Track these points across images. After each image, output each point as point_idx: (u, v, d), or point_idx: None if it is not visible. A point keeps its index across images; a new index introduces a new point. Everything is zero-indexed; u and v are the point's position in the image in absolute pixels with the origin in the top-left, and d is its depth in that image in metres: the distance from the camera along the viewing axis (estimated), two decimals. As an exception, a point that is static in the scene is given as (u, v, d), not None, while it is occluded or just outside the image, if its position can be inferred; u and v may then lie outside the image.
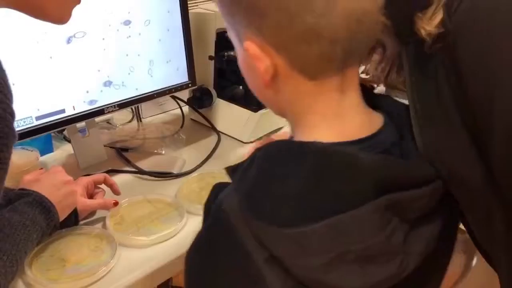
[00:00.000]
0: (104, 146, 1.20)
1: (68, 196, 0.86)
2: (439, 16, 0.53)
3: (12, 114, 0.50)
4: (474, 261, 1.36)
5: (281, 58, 0.52)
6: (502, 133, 0.50)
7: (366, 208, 0.49)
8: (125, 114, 1.40)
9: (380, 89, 1.43)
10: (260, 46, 0.52)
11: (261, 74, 0.53)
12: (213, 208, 0.55)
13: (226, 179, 0.62)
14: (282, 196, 0.50)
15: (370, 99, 0.60)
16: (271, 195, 0.50)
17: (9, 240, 0.71)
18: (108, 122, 1.34)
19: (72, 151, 1.18)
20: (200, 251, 0.57)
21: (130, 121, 1.39)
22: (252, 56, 0.52)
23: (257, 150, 0.55)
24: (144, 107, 1.36)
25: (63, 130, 1.16)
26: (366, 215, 0.49)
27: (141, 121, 1.34)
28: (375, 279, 0.51)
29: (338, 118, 0.55)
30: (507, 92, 0.48)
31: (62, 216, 0.85)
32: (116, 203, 0.93)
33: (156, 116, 1.43)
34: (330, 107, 0.54)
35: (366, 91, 0.60)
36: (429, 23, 0.54)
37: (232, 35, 0.57)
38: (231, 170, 0.59)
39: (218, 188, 0.65)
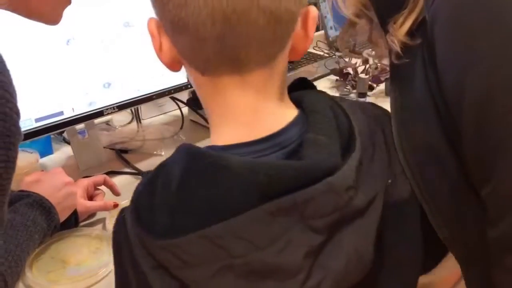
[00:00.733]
0: (104, 147, 1.20)
1: (68, 197, 0.86)
2: (408, 23, 0.56)
3: (18, 113, 0.51)
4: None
5: (171, 43, 0.49)
6: (472, 118, 0.50)
7: (243, 217, 0.44)
8: (125, 116, 1.40)
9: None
10: (158, 25, 0.49)
11: (156, 51, 0.50)
12: (116, 218, 0.53)
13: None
14: (160, 204, 0.47)
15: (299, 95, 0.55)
16: (151, 204, 0.47)
17: (13, 241, 0.71)
18: (107, 124, 1.34)
19: (71, 153, 1.18)
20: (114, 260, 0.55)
21: (129, 123, 1.38)
22: (150, 33, 0.50)
23: None
24: (143, 108, 1.36)
25: (63, 132, 1.16)
26: (244, 226, 0.45)
27: (140, 122, 1.33)
28: None
29: (237, 118, 0.50)
30: (477, 78, 0.49)
31: (62, 217, 0.85)
32: (116, 205, 0.93)
33: (155, 118, 1.43)
34: (229, 107, 0.50)
35: (299, 86, 0.57)
36: (399, 30, 0.56)
37: None
38: (145, 174, 0.55)
39: None
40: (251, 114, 0.50)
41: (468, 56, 0.50)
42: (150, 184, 0.49)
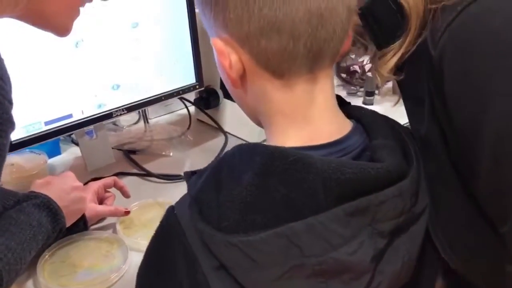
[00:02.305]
0: (112, 148, 1.19)
1: (77, 202, 0.85)
2: (394, 59, 0.58)
3: (10, 101, 0.50)
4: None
5: (246, 54, 0.50)
6: (490, 156, 0.51)
7: (323, 216, 0.45)
8: (131, 115, 1.39)
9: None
10: (226, 41, 0.50)
11: (226, 71, 0.51)
12: (164, 215, 0.53)
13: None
14: (229, 201, 0.47)
15: (341, 107, 0.58)
16: (218, 200, 0.47)
17: (15, 238, 0.71)
18: (114, 124, 1.34)
19: (79, 154, 1.18)
20: (149, 261, 0.55)
21: (136, 123, 1.38)
22: (218, 52, 0.51)
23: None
24: (150, 108, 1.35)
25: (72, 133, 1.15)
26: (323, 225, 0.45)
27: (148, 122, 1.33)
28: None
29: (306, 121, 0.52)
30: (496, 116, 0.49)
31: (70, 221, 0.84)
32: (127, 212, 0.93)
33: (162, 117, 1.43)
34: (298, 109, 0.52)
35: (339, 99, 0.58)
36: (384, 67, 0.58)
37: (208, 31, 0.55)
38: (188, 175, 0.56)
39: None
40: (319, 118, 0.52)
41: (483, 97, 0.50)
42: (213, 181, 0.49)
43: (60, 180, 0.87)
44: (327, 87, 0.53)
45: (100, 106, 1.03)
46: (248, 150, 0.49)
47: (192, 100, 1.36)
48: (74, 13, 0.65)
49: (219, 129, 1.33)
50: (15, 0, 0.55)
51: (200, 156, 1.21)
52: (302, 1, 0.46)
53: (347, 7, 0.49)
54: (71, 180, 0.88)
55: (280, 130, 0.53)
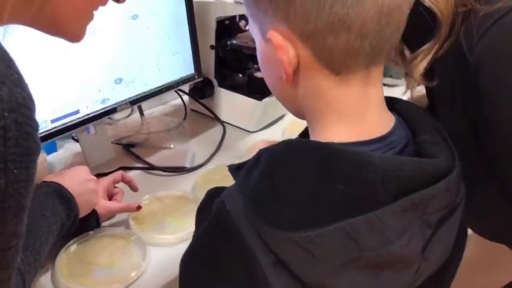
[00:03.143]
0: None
1: (89, 192, 0.84)
2: (424, 63, 0.59)
3: (37, 128, 0.49)
4: (470, 231, 1.41)
5: (307, 49, 0.49)
6: None
7: (381, 212, 0.46)
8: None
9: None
10: (285, 35, 0.49)
11: (284, 66, 0.50)
12: (215, 209, 0.53)
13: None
14: (286, 199, 0.47)
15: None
16: (276, 197, 0.48)
17: (31, 233, 0.69)
18: (108, 117, 1.31)
19: (77, 150, 1.15)
20: (199, 256, 0.55)
21: (129, 115, 1.36)
22: (277, 46, 0.50)
23: (262, 150, 0.53)
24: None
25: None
26: (381, 220, 0.46)
27: (143, 115, 1.31)
28: (387, 287, 0.50)
29: (358, 116, 0.52)
30: None
31: (82, 212, 0.83)
32: (139, 207, 0.91)
33: (155, 109, 1.41)
34: (352, 104, 0.52)
35: None
36: (415, 70, 0.59)
37: (253, 27, 0.55)
38: (235, 169, 0.56)
39: (213, 193, 0.62)
40: (370, 113, 0.53)
41: None
42: (268, 180, 0.49)
43: (73, 171, 0.86)
44: (378, 84, 0.53)
45: (104, 101, 1.00)
46: (302, 148, 0.50)
47: (186, 89, 1.34)
48: (88, 17, 0.62)
49: (216, 118, 1.33)
50: (28, 3, 0.53)
51: (201, 147, 1.20)
52: (375, 0, 0.46)
53: (408, 2, 0.50)
54: (85, 172, 0.86)
55: (330, 125, 0.53)
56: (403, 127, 0.56)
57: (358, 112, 0.52)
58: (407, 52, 0.65)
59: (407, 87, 0.64)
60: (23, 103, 0.44)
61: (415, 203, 0.48)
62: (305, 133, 0.64)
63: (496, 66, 0.54)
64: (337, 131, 0.52)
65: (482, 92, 0.56)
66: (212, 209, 0.61)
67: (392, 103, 0.58)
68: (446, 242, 0.54)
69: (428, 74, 0.61)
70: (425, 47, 0.60)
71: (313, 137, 0.55)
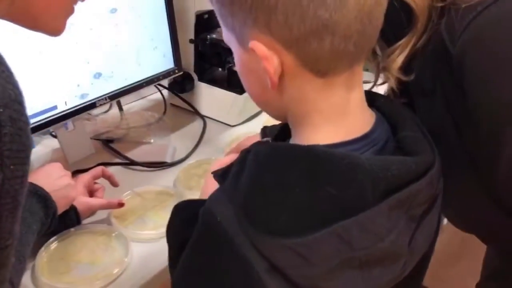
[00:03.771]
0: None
1: (65, 187, 0.83)
2: (402, 57, 0.60)
3: (29, 124, 0.48)
4: (445, 221, 1.44)
5: (291, 56, 0.49)
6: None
7: (371, 212, 0.47)
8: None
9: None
10: (268, 44, 0.48)
11: (270, 75, 0.50)
12: (203, 221, 0.52)
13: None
14: (278, 205, 0.47)
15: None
16: (267, 204, 0.48)
17: None
18: (87, 113, 1.29)
19: (55, 146, 1.14)
20: (192, 273, 0.54)
21: (107, 111, 1.34)
22: (261, 56, 0.49)
23: (245, 152, 0.52)
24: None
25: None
26: (371, 220, 0.47)
27: (122, 110, 1.29)
28: (378, 282, 0.51)
29: (342, 116, 0.52)
30: None
31: (60, 208, 0.81)
32: (121, 204, 0.90)
33: (134, 103, 1.39)
34: (336, 105, 0.52)
35: None
36: (392, 64, 0.60)
37: (229, 37, 0.54)
38: (220, 176, 0.55)
39: (180, 209, 0.63)
40: (353, 112, 0.53)
41: (506, 95, 0.54)
42: (256, 186, 0.49)
43: (46, 168, 0.85)
44: (360, 82, 0.54)
45: (83, 96, 0.99)
46: (290, 153, 0.49)
47: (165, 84, 1.33)
48: (66, 11, 0.60)
49: (196, 113, 1.32)
50: None
51: (181, 142, 1.20)
52: (356, 1, 0.46)
53: (386, 2, 0.50)
54: (58, 168, 0.85)
55: (315, 127, 0.53)
56: (383, 124, 0.56)
57: (342, 113, 0.52)
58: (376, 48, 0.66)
59: (387, 82, 0.65)
60: (15, 99, 0.44)
61: (401, 201, 0.49)
62: (281, 133, 0.64)
63: (480, 57, 0.54)
64: (322, 133, 0.52)
65: (465, 84, 0.56)
66: (180, 225, 0.61)
67: (371, 100, 0.58)
68: (427, 233, 0.55)
69: (406, 69, 0.62)
70: (402, 41, 0.60)
71: (297, 139, 0.55)
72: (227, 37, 0.55)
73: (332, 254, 0.47)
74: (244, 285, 0.49)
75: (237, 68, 0.57)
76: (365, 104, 0.55)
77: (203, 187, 0.70)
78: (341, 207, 0.47)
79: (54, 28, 0.61)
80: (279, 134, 0.66)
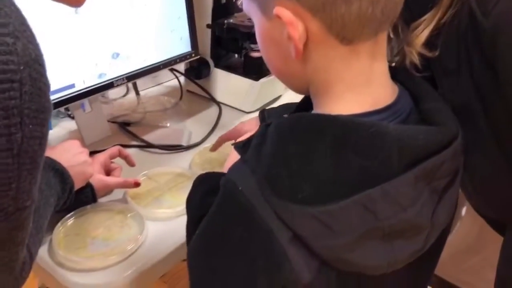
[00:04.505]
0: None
1: (82, 163, 0.84)
2: (426, 32, 0.58)
3: (49, 88, 0.49)
4: (463, 211, 1.42)
5: (316, 22, 0.48)
6: None
7: (397, 181, 0.47)
8: (120, 88, 1.36)
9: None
10: (293, 10, 0.48)
11: (295, 42, 0.49)
12: (224, 192, 0.52)
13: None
14: (303, 174, 0.47)
15: None
16: (291, 173, 0.48)
17: None
18: (104, 96, 1.30)
19: (72, 128, 1.15)
20: (211, 242, 0.54)
21: (125, 95, 1.35)
22: (287, 22, 0.48)
23: (265, 125, 0.52)
24: (138, 80, 1.32)
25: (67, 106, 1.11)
26: (397, 189, 0.47)
27: (139, 94, 1.30)
28: (401, 254, 0.50)
29: (366, 86, 0.52)
30: None
31: (77, 183, 0.82)
32: (137, 184, 0.90)
33: (151, 89, 1.40)
34: (360, 74, 0.51)
35: None
36: (416, 40, 0.58)
37: (250, 5, 0.54)
38: (241, 147, 0.55)
39: (201, 181, 0.63)
40: (377, 82, 0.52)
41: None
42: (281, 156, 0.49)
43: (64, 144, 0.86)
44: (383, 52, 0.53)
45: (101, 75, 1.00)
46: (313, 122, 0.49)
47: (181, 70, 1.34)
48: None
49: (211, 99, 1.32)
50: None
51: (196, 127, 1.20)
52: None
53: None
54: (76, 145, 0.86)
55: (339, 97, 0.52)
56: (406, 96, 0.56)
57: (366, 82, 0.52)
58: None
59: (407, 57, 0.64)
60: (36, 59, 0.45)
61: (427, 171, 0.49)
62: (300, 106, 0.64)
63: None
64: (346, 103, 0.52)
65: (499, 57, 0.54)
66: (201, 196, 0.61)
67: (393, 73, 0.57)
68: (448, 208, 0.55)
69: (430, 45, 0.60)
70: (427, 15, 0.59)
71: (319, 110, 0.54)
72: (248, 6, 0.54)
73: (356, 223, 0.47)
74: (265, 254, 0.48)
75: (257, 38, 0.56)
76: (389, 76, 0.55)
77: (227, 162, 0.70)
78: (367, 176, 0.47)
79: None
80: (295, 111, 0.65)
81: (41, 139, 0.48)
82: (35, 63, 0.45)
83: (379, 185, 0.46)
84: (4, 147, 0.43)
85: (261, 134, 0.52)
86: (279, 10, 0.48)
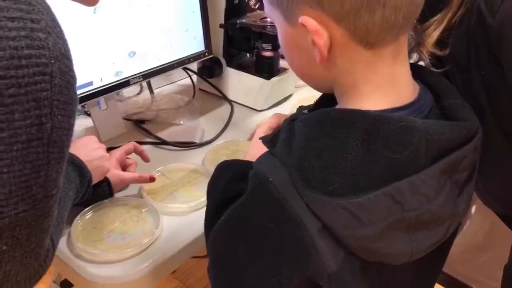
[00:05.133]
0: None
1: (100, 158, 0.86)
2: (437, 32, 0.60)
3: (76, 81, 0.51)
4: (473, 210, 1.43)
5: (341, 29, 0.50)
6: None
7: (423, 174, 0.49)
8: (133, 86, 1.38)
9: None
10: (318, 18, 0.49)
11: (320, 49, 0.51)
12: (254, 183, 0.53)
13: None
14: (334, 166, 0.49)
15: None
16: (322, 165, 0.49)
17: None
18: (119, 94, 1.32)
19: (88, 125, 1.17)
20: (238, 231, 0.56)
21: (138, 93, 1.37)
22: (312, 31, 0.50)
23: (290, 120, 0.54)
24: (152, 79, 1.35)
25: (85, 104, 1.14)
26: (423, 182, 0.49)
27: (153, 92, 1.32)
28: (423, 244, 0.52)
29: (390, 86, 0.53)
30: None
31: (95, 177, 0.85)
32: (152, 179, 0.92)
33: (164, 88, 1.43)
34: (384, 75, 0.53)
35: None
36: (428, 39, 0.60)
37: (274, 14, 0.55)
38: (269, 141, 0.57)
39: (224, 167, 0.65)
40: (400, 81, 0.54)
41: None
42: (312, 149, 0.50)
43: (82, 140, 0.89)
44: (405, 52, 0.55)
45: (117, 73, 1.02)
46: (344, 117, 0.51)
47: (194, 69, 1.36)
48: None
49: (224, 97, 1.34)
50: None
51: (209, 124, 1.22)
52: None
53: None
54: (94, 140, 0.89)
55: (363, 96, 0.54)
56: (427, 93, 0.58)
57: (390, 82, 0.53)
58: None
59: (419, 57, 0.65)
60: (65, 54, 0.47)
61: (451, 164, 0.50)
62: (321, 103, 0.66)
63: None
64: (371, 101, 0.53)
65: (504, 54, 0.56)
66: (224, 181, 0.63)
67: (415, 71, 0.59)
68: (466, 201, 0.56)
69: (441, 44, 0.62)
70: (438, 16, 0.61)
71: (347, 107, 0.56)
72: (271, 13, 0.56)
73: (384, 214, 0.48)
74: (295, 245, 0.50)
75: (280, 42, 0.58)
76: (410, 74, 0.56)
77: (250, 152, 0.72)
78: (395, 169, 0.48)
79: None
80: (314, 108, 0.67)
81: (68, 130, 0.50)
82: (64, 58, 0.47)
83: (407, 177, 0.48)
84: (35, 136, 0.45)
85: (288, 128, 0.54)
86: (304, 19, 0.50)
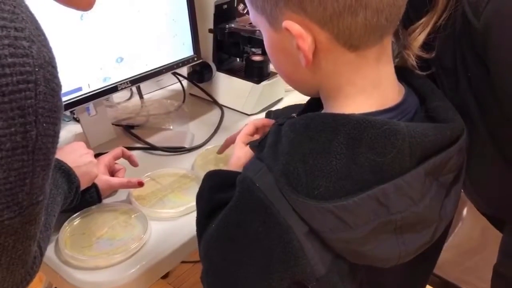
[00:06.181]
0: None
1: (88, 163, 0.86)
2: (423, 35, 0.60)
3: (61, 88, 0.51)
4: (465, 212, 1.44)
5: (324, 33, 0.50)
6: None
7: (408, 176, 0.49)
8: (123, 92, 1.38)
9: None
10: (302, 23, 0.50)
11: (305, 53, 0.51)
12: (242, 188, 0.54)
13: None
14: (319, 170, 0.49)
15: None
16: (308, 170, 0.49)
17: None
18: (108, 99, 1.32)
19: (77, 131, 1.17)
20: (228, 237, 0.56)
21: (128, 99, 1.37)
22: (296, 36, 0.50)
23: (278, 124, 0.54)
24: (142, 84, 1.35)
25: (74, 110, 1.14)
26: (408, 184, 0.49)
27: (142, 97, 1.32)
28: (411, 247, 0.52)
29: (375, 88, 0.54)
30: None
31: (83, 183, 0.84)
32: (141, 184, 0.92)
33: (154, 93, 1.43)
34: (369, 77, 0.53)
35: None
36: (413, 43, 0.60)
37: (258, 18, 0.55)
38: (256, 146, 0.58)
39: (209, 177, 0.65)
40: (385, 83, 0.54)
41: None
42: (297, 153, 0.50)
43: (70, 146, 0.89)
44: (389, 54, 0.55)
45: (105, 79, 1.02)
46: (327, 121, 0.51)
47: (184, 74, 1.36)
48: None
49: (214, 102, 1.35)
50: None
51: (199, 129, 1.22)
52: None
53: None
54: (82, 146, 0.89)
55: (348, 98, 0.54)
56: (412, 95, 0.58)
57: (374, 84, 0.54)
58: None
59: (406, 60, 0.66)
60: (49, 62, 0.47)
61: (436, 166, 0.51)
62: (308, 107, 0.66)
63: (507, 28, 0.54)
64: (356, 103, 0.54)
65: (489, 59, 0.57)
66: (209, 191, 0.63)
67: (399, 73, 0.59)
68: (454, 202, 0.57)
69: (426, 46, 0.62)
70: (424, 19, 0.61)
71: (332, 111, 0.56)
72: (256, 18, 0.56)
73: (370, 217, 0.49)
74: (282, 249, 0.51)
75: (266, 48, 0.58)
76: (395, 76, 0.57)
77: (233, 160, 0.72)
78: (380, 172, 0.49)
79: (86, 2, 0.64)
80: (302, 112, 0.67)
81: (54, 137, 0.50)
82: (48, 65, 0.47)
83: (392, 180, 0.48)
84: (20, 144, 0.45)
85: (275, 132, 0.54)
86: (288, 24, 0.50)
